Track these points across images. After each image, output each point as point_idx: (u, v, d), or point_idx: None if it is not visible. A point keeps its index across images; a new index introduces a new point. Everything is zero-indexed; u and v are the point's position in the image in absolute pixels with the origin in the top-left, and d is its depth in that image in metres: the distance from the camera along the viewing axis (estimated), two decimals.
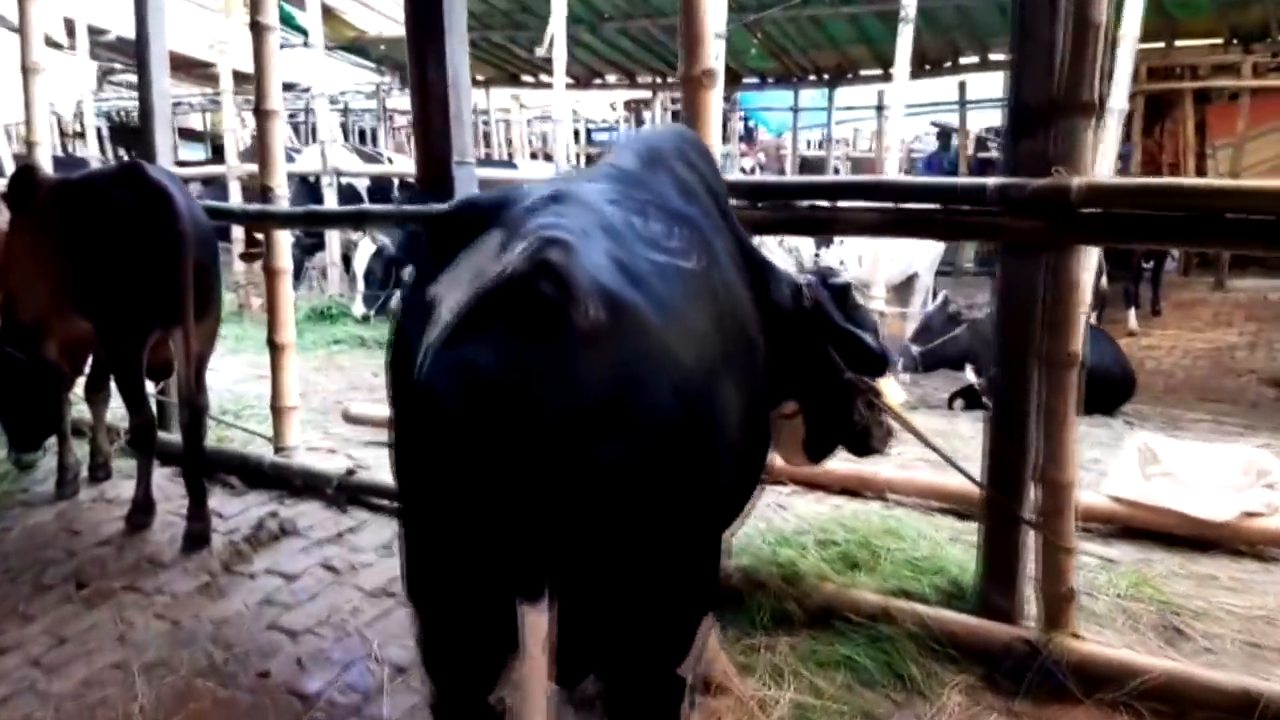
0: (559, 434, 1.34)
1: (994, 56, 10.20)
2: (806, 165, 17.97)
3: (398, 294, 9.45)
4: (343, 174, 9.23)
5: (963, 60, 10.88)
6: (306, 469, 4.42)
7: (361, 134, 18.72)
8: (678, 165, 2.23)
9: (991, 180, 2.65)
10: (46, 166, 5.51)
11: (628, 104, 20.57)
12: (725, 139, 16.87)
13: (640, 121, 21.17)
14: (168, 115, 4.85)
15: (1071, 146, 2.60)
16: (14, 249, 4.15)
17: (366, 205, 4.98)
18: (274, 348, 4.54)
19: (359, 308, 8.95)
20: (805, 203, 2.96)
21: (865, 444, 2.81)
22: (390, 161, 10.25)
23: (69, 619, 3.35)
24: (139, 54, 4.77)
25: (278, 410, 4.59)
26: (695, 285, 1.64)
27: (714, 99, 3.20)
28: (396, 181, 9.34)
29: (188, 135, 20.76)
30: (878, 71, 10.76)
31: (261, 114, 4.38)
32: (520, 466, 1.34)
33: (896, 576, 3.14)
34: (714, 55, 3.22)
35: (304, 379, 5.83)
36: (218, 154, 16.17)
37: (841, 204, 2.83)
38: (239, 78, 14.13)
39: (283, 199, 4.41)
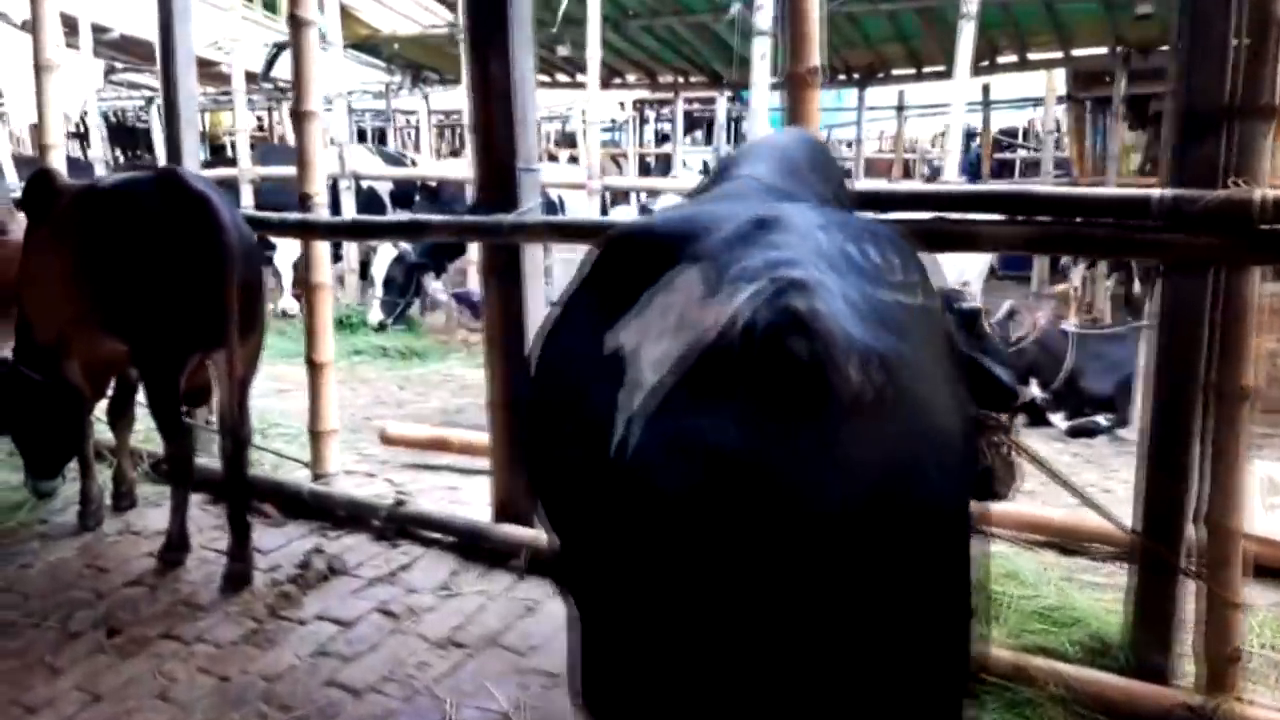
0: (825, 530, 1.05)
1: (1033, 56, 9.92)
2: None
3: (417, 303, 9.16)
4: (362, 177, 8.91)
5: (1000, 60, 10.59)
6: (351, 499, 4.12)
7: (362, 134, 18.40)
8: (813, 175, 1.95)
9: (1158, 192, 2.36)
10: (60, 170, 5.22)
11: (635, 104, 20.27)
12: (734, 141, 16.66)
13: (644, 121, 20.85)
14: (195, 117, 4.55)
15: (1250, 155, 2.32)
16: (32, 262, 3.85)
17: (421, 215, 4.65)
18: (312, 366, 4.24)
19: (375, 315, 8.65)
20: (928, 214, 2.68)
21: (988, 487, 2.53)
22: (414, 164, 9.91)
23: (102, 672, 3.05)
24: (163, 53, 4.47)
25: (317, 434, 4.29)
26: (929, 328, 1.35)
27: (817, 98, 2.94)
28: (419, 186, 9.01)
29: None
30: (910, 71, 10.50)
31: (300, 116, 4.08)
32: (774, 570, 1.05)
33: (1028, 629, 2.86)
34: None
35: None
36: (215, 155, 15.83)
37: (979, 216, 2.54)
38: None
39: (322, 206, 4.12)
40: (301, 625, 3.30)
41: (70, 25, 10.69)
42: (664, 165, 17.42)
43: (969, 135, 17.44)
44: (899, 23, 9.02)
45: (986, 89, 13.96)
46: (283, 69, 13.69)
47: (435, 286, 9.11)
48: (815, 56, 2.91)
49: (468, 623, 3.28)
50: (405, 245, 8.03)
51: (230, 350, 3.35)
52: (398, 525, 3.92)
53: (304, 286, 4.19)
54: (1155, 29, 8.21)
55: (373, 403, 6.55)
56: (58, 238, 3.67)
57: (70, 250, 3.56)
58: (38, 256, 3.80)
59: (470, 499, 4.39)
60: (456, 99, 16.86)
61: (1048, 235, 2.46)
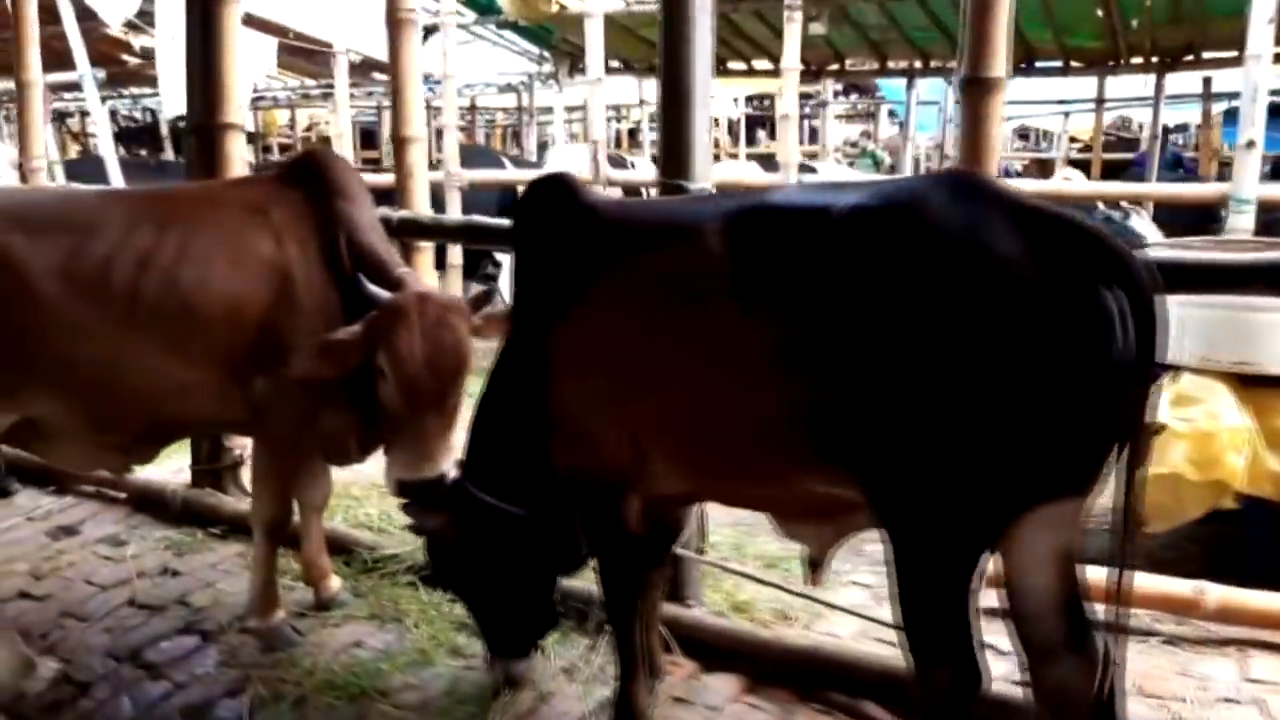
0: None
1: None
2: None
3: None
4: (618, 183, 7.34)
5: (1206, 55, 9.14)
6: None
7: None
8: None
9: None
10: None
11: (750, 98, 18.76)
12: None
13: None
14: (708, 100, 3.05)
15: None
16: (585, 338, 2.38)
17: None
18: None
19: None
20: None
21: None
22: (633, 166, 8.42)
23: None
24: (669, 28, 3.02)
25: None
26: None
27: None
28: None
29: None
30: (1228, 54, 8.96)
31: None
32: None
33: None
34: None
35: None
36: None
37: None
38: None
39: None
40: None
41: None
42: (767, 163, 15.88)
43: (1166, 130, 15.90)
44: None
45: (1207, 82, 12.47)
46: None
47: None
48: None
49: None
50: None
51: (1130, 501, 1.87)
52: None
53: None
54: None
55: None
56: (674, 298, 2.21)
57: (733, 320, 2.09)
58: (594, 332, 2.34)
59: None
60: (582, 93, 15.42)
61: None
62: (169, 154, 16.80)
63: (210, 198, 3.23)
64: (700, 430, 2.21)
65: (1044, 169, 16.14)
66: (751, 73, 10.55)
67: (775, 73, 10.94)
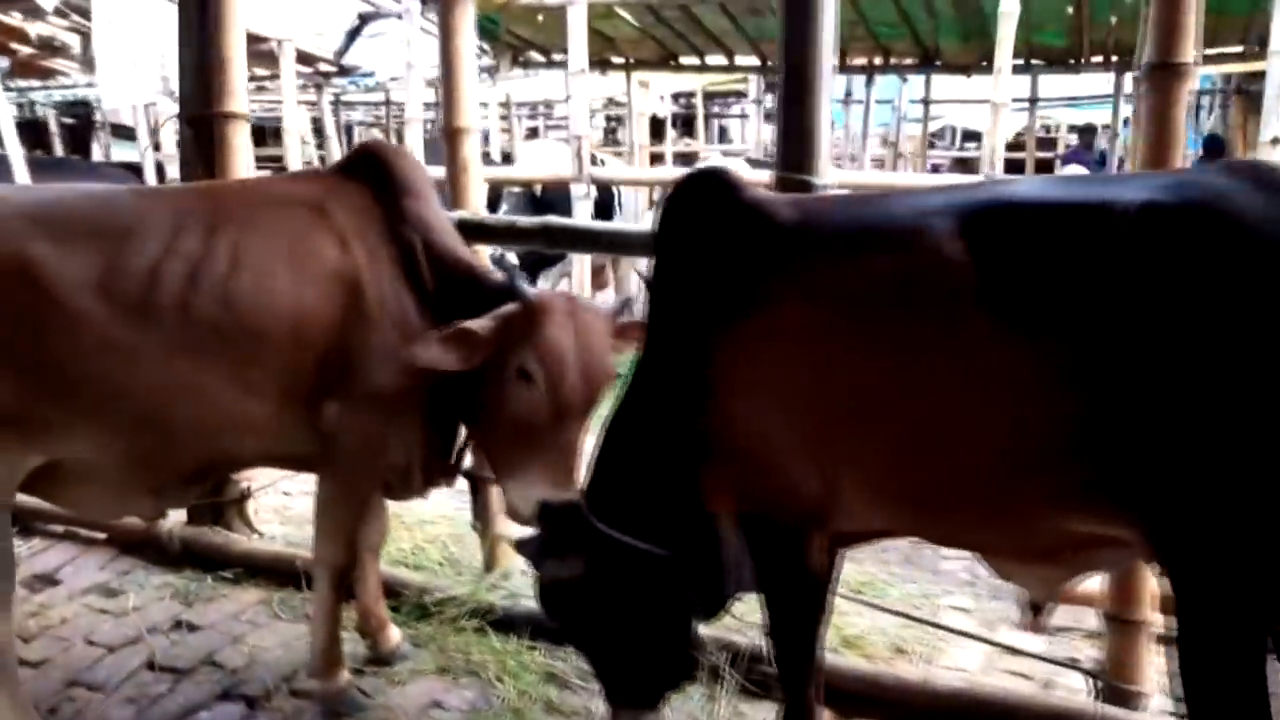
0: None
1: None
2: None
3: None
4: (608, 182, 6.89)
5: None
6: None
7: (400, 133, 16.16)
8: None
9: None
10: None
11: (675, 96, 18.58)
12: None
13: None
14: (830, 99, 2.79)
15: None
16: (759, 359, 2.10)
17: None
18: None
19: None
20: None
21: None
22: (603, 163, 7.98)
23: None
24: (791, 13, 2.75)
25: (1126, 625, 2.58)
26: None
27: None
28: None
29: (121, 133, 17.79)
30: None
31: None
32: None
33: None
34: None
35: None
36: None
37: None
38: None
39: None
40: None
41: None
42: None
43: (1086, 130, 16.32)
44: None
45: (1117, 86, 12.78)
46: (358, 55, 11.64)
47: None
48: None
49: None
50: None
51: None
52: None
53: None
54: None
55: None
56: (892, 307, 1.94)
57: (981, 333, 1.83)
58: (787, 343, 2.06)
59: None
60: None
61: None
62: (59, 151, 15.68)
63: (260, 197, 2.81)
64: (927, 461, 1.94)
65: (967, 168, 16.42)
66: (704, 68, 10.30)
67: (730, 68, 10.83)
